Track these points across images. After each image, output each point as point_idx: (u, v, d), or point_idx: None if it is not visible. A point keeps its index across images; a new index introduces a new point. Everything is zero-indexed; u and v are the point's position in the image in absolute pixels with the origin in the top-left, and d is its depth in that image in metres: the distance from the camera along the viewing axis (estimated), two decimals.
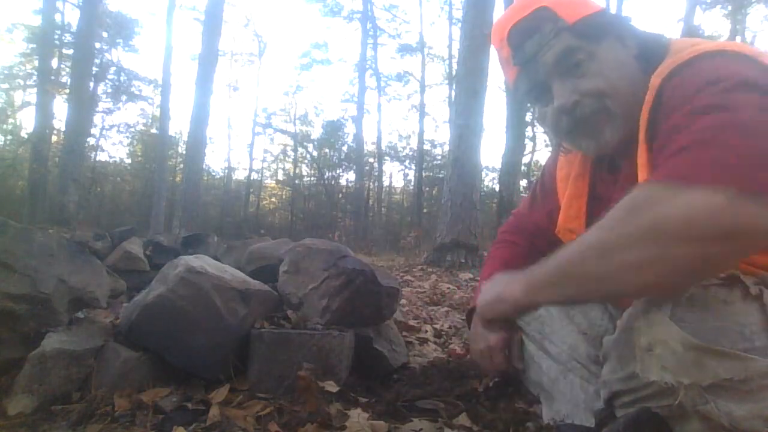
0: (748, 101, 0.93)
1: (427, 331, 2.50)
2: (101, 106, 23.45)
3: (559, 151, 1.44)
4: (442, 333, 2.55)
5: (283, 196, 28.83)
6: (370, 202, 24.32)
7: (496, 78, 14.18)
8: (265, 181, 29.76)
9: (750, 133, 0.91)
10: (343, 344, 1.59)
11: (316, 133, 28.31)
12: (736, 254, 0.90)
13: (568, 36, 1.14)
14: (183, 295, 1.49)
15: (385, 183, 28.70)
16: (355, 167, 22.92)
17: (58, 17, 17.84)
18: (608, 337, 1.13)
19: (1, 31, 21.88)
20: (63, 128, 14.84)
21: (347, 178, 26.07)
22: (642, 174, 1.09)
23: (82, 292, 1.53)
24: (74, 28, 16.34)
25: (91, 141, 21.81)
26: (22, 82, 22.89)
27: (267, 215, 26.09)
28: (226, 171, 29.28)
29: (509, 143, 9.95)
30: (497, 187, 11.56)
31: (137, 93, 24.55)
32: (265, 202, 28.17)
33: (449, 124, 8.56)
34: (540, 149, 21.98)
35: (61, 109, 19.46)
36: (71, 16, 21.87)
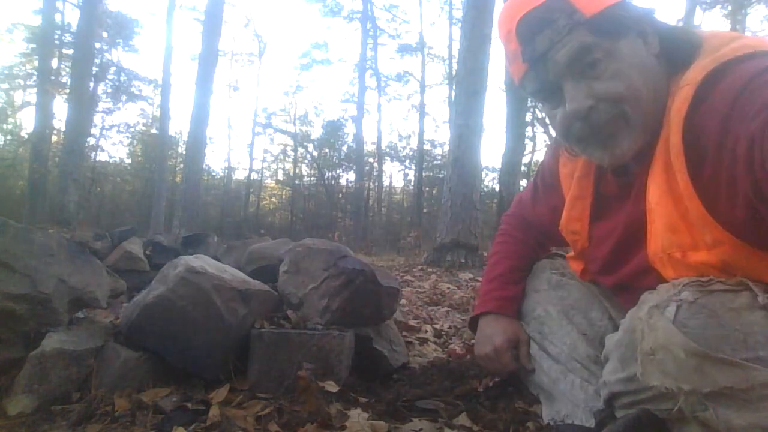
0: None
1: (427, 331, 2.50)
2: (101, 106, 23.47)
3: (559, 147, 1.37)
4: (442, 333, 2.55)
5: (283, 196, 28.84)
6: (370, 202, 24.32)
7: (497, 78, 14.14)
8: (265, 181, 29.76)
9: None
10: (343, 344, 1.59)
11: (316, 133, 28.34)
12: None
13: (584, 32, 1.02)
14: (183, 295, 1.49)
15: (385, 183, 28.72)
16: (355, 167, 22.92)
17: (57, 17, 17.86)
18: (610, 336, 1.13)
19: (1, 31, 21.90)
20: (63, 128, 14.85)
21: (347, 178, 26.09)
22: (661, 184, 1.03)
23: (82, 292, 1.53)
24: (74, 28, 16.37)
25: (91, 141, 21.83)
26: (22, 82, 22.90)
27: (267, 215, 26.10)
28: (226, 171, 29.30)
29: (509, 143, 9.96)
30: (497, 187, 11.56)
31: (137, 93, 24.56)
32: (265, 202, 28.18)
33: (449, 124, 8.57)
34: (540, 149, 21.98)
35: (61, 109, 19.52)
36: (71, 16, 21.94)
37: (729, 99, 0.91)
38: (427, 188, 24.08)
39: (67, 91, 15.32)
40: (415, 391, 1.63)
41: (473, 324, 1.59)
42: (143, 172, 24.40)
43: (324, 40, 47.00)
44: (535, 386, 1.47)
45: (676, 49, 1.07)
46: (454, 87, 13.43)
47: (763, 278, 0.96)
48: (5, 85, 22.81)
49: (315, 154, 26.62)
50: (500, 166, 10.03)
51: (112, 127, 25.08)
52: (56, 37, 17.94)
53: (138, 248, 2.86)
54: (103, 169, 24.05)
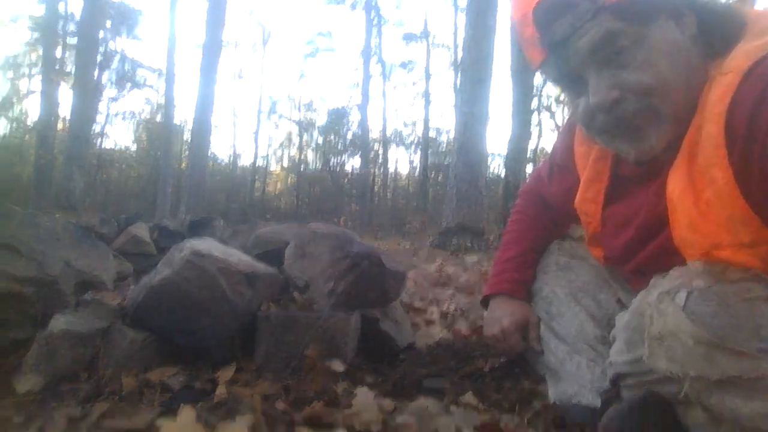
0: None
1: (433, 313, 2.50)
2: (106, 94, 23.46)
3: (575, 124, 1.26)
4: (448, 314, 2.55)
5: (289, 182, 28.85)
6: (376, 187, 24.30)
7: (502, 64, 14.02)
8: (271, 168, 29.77)
9: None
10: (349, 325, 1.59)
11: (321, 120, 28.27)
12: None
13: (608, 17, 0.93)
14: (188, 278, 1.50)
15: (391, 169, 28.65)
16: (360, 153, 22.88)
17: (61, 7, 17.81)
18: (620, 315, 1.12)
19: (6, 21, 21.87)
20: (68, 116, 14.86)
21: (353, 164, 26.06)
22: (681, 178, 0.99)
23: (88, 275, 1.54)
24: (77, 18, 16.31)
25: (97, 128, 21.84)
26: (27, 71, 22.93)
27: (272, 200, 26.15)
28: (232, 158, 29.31)
29: (515, 130, 9.87)
30: (503, 173, 11.51)
31: (142, 82, 24.53)
32: (270, 188, 28.20)
33: (455, 110, 8.49)
34: (546, 136, 21.87)
35: (66, 97, 19.52)
36: (74, 5, 21.89)
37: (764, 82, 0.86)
38: (433, 174, 24.03)
39: (72, 79, 15.32)
40: (421, 371, 1.64)
41: (485, 303, 1.59)
42: (148, 159, 24.41)
43: (328, 28, 46.81)
44: (542, 366, 1.47)
45: (716, 30, 0.99)
46: (459, 74, 13.34)
47: None
48: (10, 74, 22.85)
49: (320, 141, 26.59)
50: (506, 153, 9.96)
51: (117, 114, 25.12)
52: (60, 26, 17.92)
53: (144, 232, 2.87)
54: (109, 155, 24.10)
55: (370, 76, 22.76)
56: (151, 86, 25.28)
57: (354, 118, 25.24)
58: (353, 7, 23.67)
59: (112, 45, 22.36)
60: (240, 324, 1.56)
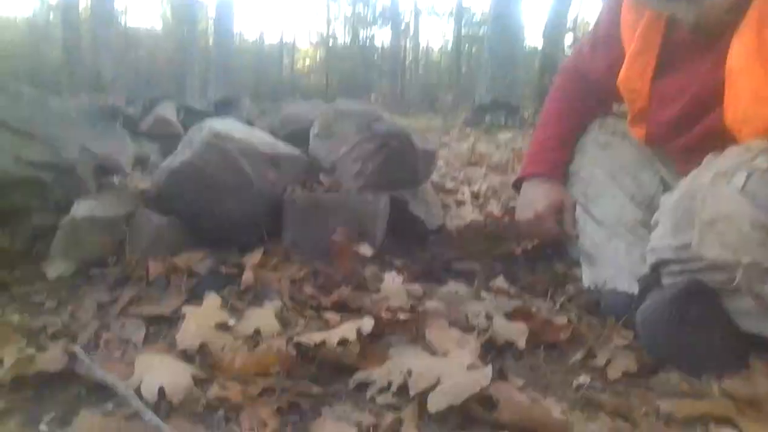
0: None
1: (464, 194, 2.45)
2: None
3: None
4: (480, 195, 2.49)
5: (317, 58, 28.13)
6: (407, 62, 23.55)
7: None
8: (299, 44, 28.95)
9: None
10: (377, 208, 1.55)
11: None
12: None
13: None
14: (209, 161, 1.44)
15: (422, 44, 27.56)
16: (391, 24, 21.94)
17: None
18: (666, 196, 1.04)
19: None
20: None
21: (383, 40, 25.09)
22: (749, 43, 0.91)
23: (105, 159, 1.49)
24: None
25: (120, 6, 21.26)
26: None
27: (302, 78, 25.69)
28: (259, 35, 28.48)
29: None
30: (539, 45, 10.94)
31: None
32: (299, 65, 27.61)
33: None
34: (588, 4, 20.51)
35: None
36: None
37: None
38: (466, 46, 23.07)
39: None
40: (451, 253, 1.61)
41: (517, 185, 1.52)
42: (175, 35, 23.89)
43: None
44: (576, 249, 1.42)
45: None
46: None
47: None
48: None
49: (348, 13, 25.50)
50: (546, 21, 9.37)
51: None
52: None
53: (171, 112, 2.80)
54: (135, 34, 23.66)
55: None
56: None
57: None
58: None
59: None
60: (265, 207, 1.53)
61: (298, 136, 1.98)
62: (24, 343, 0.97)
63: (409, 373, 0.85)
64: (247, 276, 1.29)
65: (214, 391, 0.83)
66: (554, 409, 0.82)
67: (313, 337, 0.95)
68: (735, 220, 0.84)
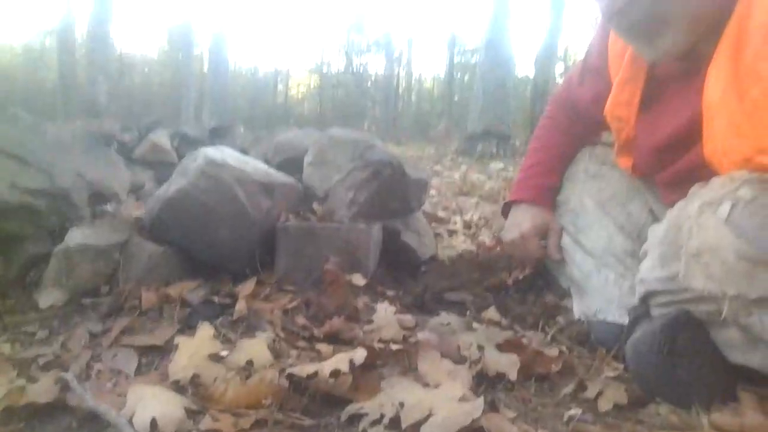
0: None
1: (456, 223, 2.46)
2: None
3: None
4: (472, 224, 2.51)
5: (312, 86, 28.34)
6: (400, 90, 23.76)
7: None
8: (293, 72, 29.17)
9: None
10: (370, 237, 1.56)
11: (344, 19, 27.26)
12: None
13: None
14: (204, 189, 1.45)
15: (415, 71, 27.84)
16: (384, 53, 22.19)
17: None
18: (653, 228, 1.05)
19: None
20: (87, 18, 14.51)
21: (377, 68, 25.34)
22: (725, 74, 0.91)
23: (100, 186, 1.50)
24: None
25: (117, 33, 21.41)
26: None
27: (296, 105, 25.84)
28: (254, 62, 28.73)
29: (551, 22, 9.33)
30: (531, 74, 11.08)
31: None
32: (293, 92, 27.79)
33: (487, 6, 8.09)
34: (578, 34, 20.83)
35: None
36: None
37: None
38: (459, 75, 23.33)
39: None
40: (443, 284, 1.62)
41: (506, 210, 1.55)
42: (171, 62, 24.05)
43: None
44: (566, 279, 1.43)
45: None
46: None
47: None
48: None
49: (343, 40, 25.80)
50: (538, 50, 9.50)
51: (136, 16, 24.53)
52: None
53: (165, 140, 2.81)
54: (131, 60, 23.79)
55: None
56: None
57: (379, 14, 24.27)
58: None
59: None
60: (259, 236, 1.54)
61: (291, 164, 2.00)
62: (15, 373, 0.97)
63: (401, 405, 0.85)
64: (240, 306, 1.29)
65: (206, 422, 0.83)
66: None
67: (306, 369, 0.95)
68: (720, 252, 0.85)
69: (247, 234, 1.51)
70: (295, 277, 1.49)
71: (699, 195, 0.95)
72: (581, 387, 1.02)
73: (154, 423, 0.80)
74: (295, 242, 1.51)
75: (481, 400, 0.86)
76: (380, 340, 1.11)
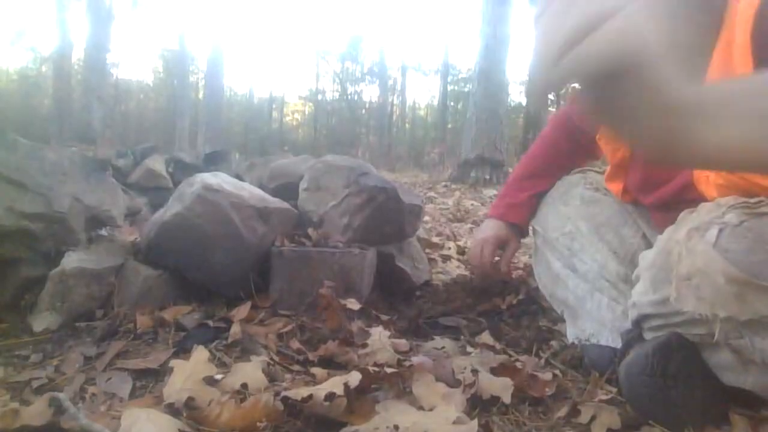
0: None
1: (450, 248, 2.48)
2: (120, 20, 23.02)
3: None
4: (466, 250, 2.52)
5: (306, 112, 28.56)
6: (394, 117, 23.97)
7: None
8: (288, 98, 29.42)
9: None
10: (364, 262, 1.57)
11: (339, 47, 27.62)
12: None
13: None
14: (200, 213, 1.47)
15: (409, 100, 28.13)
16: (378, 81, 22.44)
17: None
18: (644, 255, 1.07)
19: None
20: (84, 45, 14.64)
21: (371, 96, 25.59)
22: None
23: (97, 211, 1.51)
24: None
25: (113, 59, 21.56)
26: None
27: (290, 132, 26.01)
28: (249, 89, 28.98)
29: None
30: (524, 101, 11.22)
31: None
32: (288, 119, 27.98)
33: (479, 35, 8.21)
34: None
35: (81, 25, 19.19)
36: None
37: None
38: (452, 103, 23.59)
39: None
40: (437, 308, 1.62)
41: None
42: (166, 89, 24.22)
43: None
44: (559, 304, 1.44)
45: None
46: None
47: None
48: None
49: (338, 68, 26.08)
50: (529, 78, 9.65)
51: (132, 43, 24.78)
52: None
53: (160, 165, 2.83)
54: (126, 86, 23.94)
55: None
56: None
57: (373, 44, 24.66)
58: None
59: None
60: (254, 260, 1.54)
61: (287, 190, 2.01)
62: (8, 397, 0.97)
63: (396, 428, 0.85)
64: (235, 330, 1.29)
65: None
66: None
67: (300, 392, 0.95)
68: (710, 275, 0.87)
69: (243, 258, 1.52)
70: (290, 301, 1.49)
71: (687, 220, 0.97)
72: (575, 411, 1.02)
73: None
74: (289, 267, 1.52)
75: (475, 423, 0.86)
76: (375, 364, 1.11)
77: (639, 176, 1.25)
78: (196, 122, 16.60)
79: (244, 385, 1.02)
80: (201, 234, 1.47)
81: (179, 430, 0.86)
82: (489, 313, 1.60)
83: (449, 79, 23.46)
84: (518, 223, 1.58)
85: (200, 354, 1.10)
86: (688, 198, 1.05)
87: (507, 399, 1.03)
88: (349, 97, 24.49)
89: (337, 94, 26.34)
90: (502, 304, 1.64)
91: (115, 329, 1.29)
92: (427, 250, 2.22)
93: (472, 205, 4.45)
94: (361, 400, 0.99)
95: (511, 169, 7.81)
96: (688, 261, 0.90)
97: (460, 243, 2.64)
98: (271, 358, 1.17)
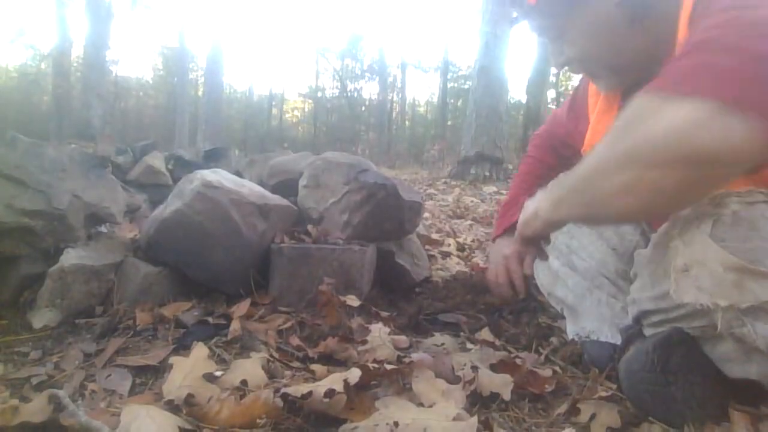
0: None
1: (450, 245, 2.48)
2: (120, 18, 22.99)
3: None
4: (465, 246, 2.52)
5: (306, 110, 28.54)
6: (394, 114, 23.96)
7: None
8: (288, 95, 29.39)
9: (757, 33, 0.78)
10: (364, 259, 1.57)
11: (339, 44, 27.60)
12: (719, 179, 0.80)
13: (536, 16, 1.16)
14: (200, 210, 1.46)
15: (409, 97, 28.11)
16: (378, 78, 22.42)
17: None
18: (640, 252, 1.08)
19: None
20: (83, 42, 14.62)
21: (370, 93, 25.57)
22: None
23: (97, 208, 1.51)
24: None
25: (112, 56, 21.53)
26: None
27: (290, 129, 25.98)
28: (249, 86, 28.96)
29: (540, 50, 9.50)
30: (524, 99, 11.22)
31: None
32: (288, 116, 27.96)
33: (479, 33, 8.20)
34: None
35: (81, 23, 19.16)
36: None
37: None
38: (452, 100, 23.57)
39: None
40: (437, 305, 1.62)
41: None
42: (165, 86, 24.21)
43: None
44: (558, 302, 1.44)
45: None
46: None
47: None
48: None
49: (338, 66, 26.05)
50: (529, 75, 9.64)
51: (131, 40, 24.77)
52: None
53: (160, 162, 2.82)
54: (126, 83, 23.92)
55: None
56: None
57: (373, 41, 24.63)
58: None
59: None
60: (254, 257, 1.54)
61: (286, 187, 2.01)
62: (7, 394, 0.97)
63: (396, 424, 0.85)
64: (235, 326, 1.29)
65: None
66: None
67: (300, 389, 0.95)
68: (707, 264, 0.87)
69: (242, 255, 1.52)
70: (290, 298, 1.49)
71: (681, 215, 0.97)
72: (574, 407, 1.02)
73: None
74: (289, 263, 1.52)
75: (474, 420, 0.86)
76: (375, 361, 1.11)
77: None
78: (195, 119, 16.59)
79: (244, 382, 1.02)
80: (201, 231, 1.47)
81: (179, 426, 0.86)
82: (489, 309, 1.60)
83: (449, 76, 23.44)
84: None
85: (200, 351, 1.10)
86: None
87: (507, 395, 1.03)
88: (349, 94, 24.45)
89: (336, 92, 26.30)
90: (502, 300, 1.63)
91: (115, 326, 1.29)
92: (427, 247, 2.22)
93: (471, 201, 4.45)
94: (360, 396, 0.99)
95: (510, 166, 7.81)
96: (685, 252, 0.91)
97: (460, 240, 2.64)
98: (271, 355, 1.17)
